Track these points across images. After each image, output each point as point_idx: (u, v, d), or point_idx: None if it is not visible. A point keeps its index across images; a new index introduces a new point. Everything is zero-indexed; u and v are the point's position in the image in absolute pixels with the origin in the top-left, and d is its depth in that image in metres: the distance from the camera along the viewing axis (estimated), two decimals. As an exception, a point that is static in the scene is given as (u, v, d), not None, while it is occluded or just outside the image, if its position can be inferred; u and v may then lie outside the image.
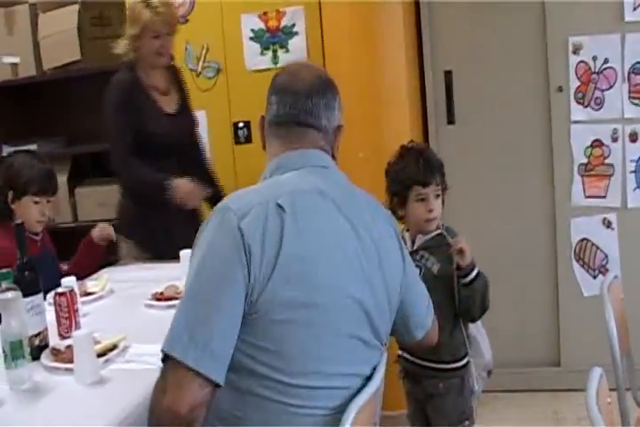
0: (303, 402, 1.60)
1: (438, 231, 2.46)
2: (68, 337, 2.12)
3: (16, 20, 4.12)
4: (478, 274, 2.35)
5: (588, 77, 3.49)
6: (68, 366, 1.93)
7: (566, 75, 3.52)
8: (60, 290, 2.25)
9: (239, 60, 3.62)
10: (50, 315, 2.19)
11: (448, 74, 3.66)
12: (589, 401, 1.53)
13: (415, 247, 2.45)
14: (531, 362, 3.71)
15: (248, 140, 3.66)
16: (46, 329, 2.11)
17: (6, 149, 3.68)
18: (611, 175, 3.53)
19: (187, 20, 3.70)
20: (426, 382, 2.46)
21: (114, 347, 2.06)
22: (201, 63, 3.72)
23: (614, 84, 3.46)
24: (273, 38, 3.61)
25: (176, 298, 2.50)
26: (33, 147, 4.05)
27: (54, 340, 2.16)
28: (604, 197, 3.55)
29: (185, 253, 2.78)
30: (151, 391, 1.56)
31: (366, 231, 1.71)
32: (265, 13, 3.60)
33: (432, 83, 3.68)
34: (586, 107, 3.51)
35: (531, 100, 3.59)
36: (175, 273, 2.72)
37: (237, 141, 3.64)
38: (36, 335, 2.06)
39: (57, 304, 2.23)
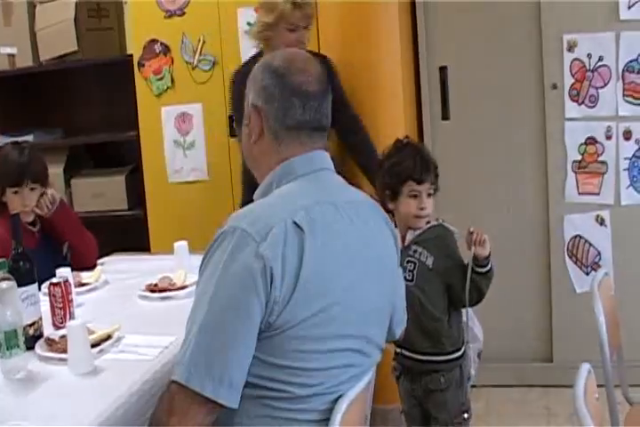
0: (308, 407, 1.60)
1: (434, 223, 2.48)
2: (63, 327, 2.12)
3: (13, 11, 4.12)
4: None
5: (583, 75, 3.50)
6: (62, 355, 1.95)
7: (561, 72, 3.52)
8: (54, 280, 2.26)
9: (235, 53, 3.61)
10: (44, 305, 2.20)
11: (443, 70, 3.66)
12: (577, 398, 1.55)
13: (407, 243, 2.47)
14: (523, 358, 3.71)
15: (243, 133, 3.66)
16: (41, 319, 2.13)
17: (3, 140, 3.68)
18: (604, 173, 3.53)
19: (183, 13, 3.70)
20: (426, 378, 2.47)
21: (108, 337, 2.07)
22: (197, 56, 3.72)
23: (609, 81, 3.46)
24: (269, 32, 3.60)
25: (170, 289, 2.51)
26: (29, 138, 4.06)
27: (49, 330, 2.17)
28: (598, 194, 3.55)
29: (178, 246, 2.79)
30: (154, 413, 1.56)
31: (373, 238, 1.73)
32: (261, 7, 3.60)
33: (427, 79, 3.67)
34: (580, 104, 3.52)
35: (525, 96, 3.59)
36: (169, 265, 2.74)
37: (233, 134, 3.64)
38: (31, 325, 2.07)
39: (51, 294, 2.24)
